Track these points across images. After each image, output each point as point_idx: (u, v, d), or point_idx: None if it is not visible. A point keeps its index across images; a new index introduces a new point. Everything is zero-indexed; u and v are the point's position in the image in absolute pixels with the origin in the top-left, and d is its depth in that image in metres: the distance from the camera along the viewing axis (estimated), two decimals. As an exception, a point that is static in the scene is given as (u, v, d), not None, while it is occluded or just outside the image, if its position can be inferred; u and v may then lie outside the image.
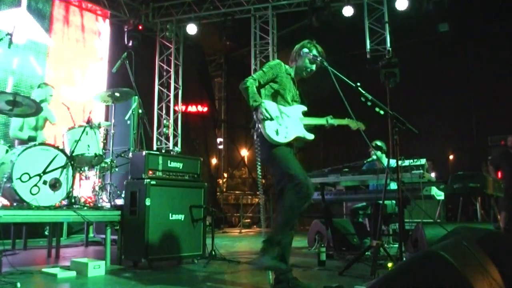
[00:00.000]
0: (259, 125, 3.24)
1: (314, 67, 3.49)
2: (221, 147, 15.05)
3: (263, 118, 3.18)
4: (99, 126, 5.08)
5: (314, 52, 3.44)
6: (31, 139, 5.30)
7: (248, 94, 3.25)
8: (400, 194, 3.52)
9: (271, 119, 3.20)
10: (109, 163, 5.18)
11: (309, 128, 3.45)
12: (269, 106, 3.26)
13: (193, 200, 4.80)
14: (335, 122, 3.54)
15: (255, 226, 13.02)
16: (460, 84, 11.22)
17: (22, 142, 5.36)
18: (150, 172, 4.51)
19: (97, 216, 4.65)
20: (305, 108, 3.50)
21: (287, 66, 3.53)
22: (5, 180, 4.12)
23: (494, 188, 6.33)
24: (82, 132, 4.76)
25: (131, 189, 4.54)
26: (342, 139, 11.98)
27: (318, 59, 3.37)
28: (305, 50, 3.43)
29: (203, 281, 3.81)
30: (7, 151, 4.49)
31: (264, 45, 10.47)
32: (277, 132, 3.22)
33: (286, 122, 3.30)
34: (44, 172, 4.26)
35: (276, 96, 3.38)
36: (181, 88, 11.53)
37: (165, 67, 11.53)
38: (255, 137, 3.33)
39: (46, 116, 5.67)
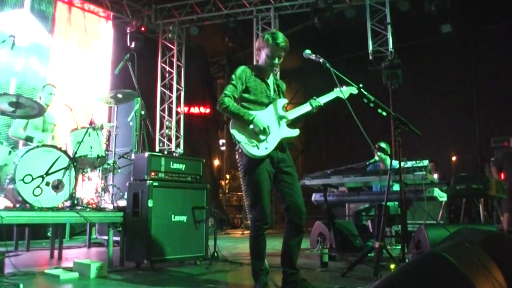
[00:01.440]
0: (239, 145, 3.19)
1: (278, 56, 3.28)
2: (223, 148, 15.04)
3: (259, 131, 3.12)
4: (101, 128, 5.09)
5: (272, 47, 3.23)
6: (29, 139, 5.31)
7: (233, 112, 3.16)
8: (402, 196, 3.51)
9: (268, 132, 3.14)
10: (111, 164, 5.19)
11: (295, 122, 3.35)
12: (259, 116, 3.18)
13: (195, 202, 4.80)
14: (321, 101, 3.38)
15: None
16: (462, 85, 11.21)
17: (25, 143, 5.37)
18: (153, 174, 4.52)
19: (99, 217, 4.65)
20: (285, 101, 3.40)
21: (252, 66, 3.39)
22: (8, 181, 4.14)
23: (497, 189, 6.30)
24: (85, 134, 4.77)
25: (134, 190, 4.55)
26: (344, 140, 11.99)
27: (321, 60, 3.30)
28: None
29: (206, 282, 3.81)
30: (10, 152, 4.51)
31: (266, 46, 10.48)
32: (257, 147, 3.15)
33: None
34: (47, 174, 4.27)
35: (250, 104, 3.29)
36: (183, 89, 11.54)
37: (167, 68, 11.55)
38: (236, 156, 3.31)
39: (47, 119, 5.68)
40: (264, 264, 3.22)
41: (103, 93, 5.50)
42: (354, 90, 3.51)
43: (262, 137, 3.17)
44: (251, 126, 3.15)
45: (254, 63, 3.63)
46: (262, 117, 3.21)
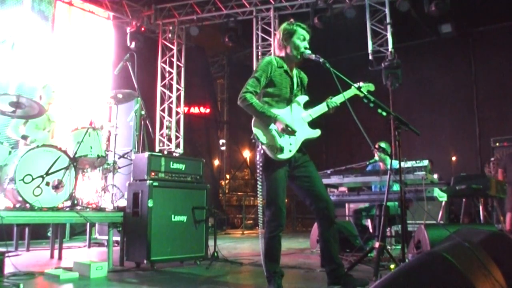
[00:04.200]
0: (263, 147, 3.09)
1: (304, 48, 3.26)
2: (223, 148, 15.04)
3: (285, 131, 3.03)
4: (101, 128, 5.09)
5: (300, 32, 3.24)
6: (24, 138, 5.30)
7: (256, 110, 3.05)
8: (402, 195, 3.51)
9: (294, 131, 3.04)
10: (111, 164, 5.19)
11: (315, 122, 3.28)
12: (282, 115, 3.09)
13: (195, 202, 4.80)
14: (337, 101, 3.30)
15: (257, 227, 13.00)
16: (462, 85, 11.22)
17: (25, 143, 5.37)
18: (153, 174, 4.52)
19: (99, 217, 4.65)
20: (306, 98, 3.34)
21: (277, 59, 3.27)
22: (8, 181, 4.14)
23: (497, 189, 6.31)
24: (85, 134, 4.77)
25: (134, 190, 4.55)
26: (344, 140, 11.99)
27: (321, 60, 3.26)
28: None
29: (206, 282, 3.81)
30: (10, 152, 4.51)
31: (266, 46, 10.48)
32: (282, 150, 3.08)
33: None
34: (47, 174, 4.26)
35: (273, 98, 3.21)
36: (183, 89, 11.53)
37: (167, 68, 11.54)
38: (258, 157, 3.18)
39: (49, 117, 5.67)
40: (278, 266, 3.15)
41: (103, 93, 5.49)
42: (371, 87, 3.45)
43: (285, 137, 3.09)
44: (274, 126, 3.06)
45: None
46: (285, 117, 3.12)
